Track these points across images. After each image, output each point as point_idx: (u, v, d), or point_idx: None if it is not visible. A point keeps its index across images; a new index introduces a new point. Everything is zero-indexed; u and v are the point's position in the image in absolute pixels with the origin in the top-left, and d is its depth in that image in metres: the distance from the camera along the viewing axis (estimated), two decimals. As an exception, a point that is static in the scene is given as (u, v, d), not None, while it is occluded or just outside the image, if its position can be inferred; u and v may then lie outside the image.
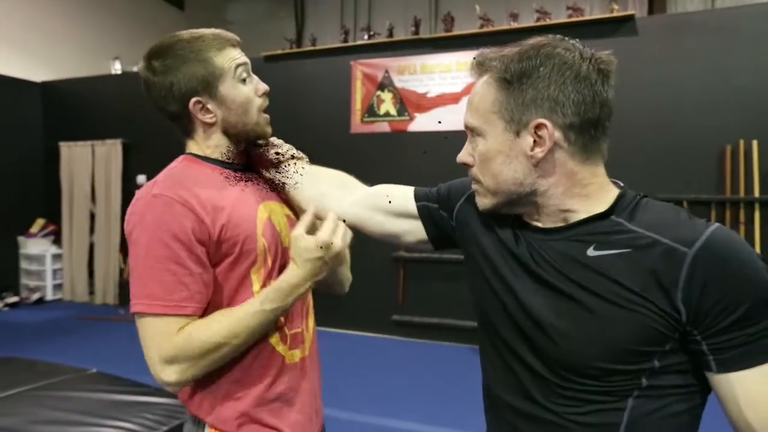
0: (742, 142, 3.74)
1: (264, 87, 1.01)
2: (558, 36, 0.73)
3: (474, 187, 0.80)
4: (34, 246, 5.99)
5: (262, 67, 5.29)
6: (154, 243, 0.86)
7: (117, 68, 6.24)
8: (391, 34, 5.07)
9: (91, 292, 6.01)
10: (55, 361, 2.61)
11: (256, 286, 0.95)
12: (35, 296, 5.85)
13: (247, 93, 0.98)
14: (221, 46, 0.96)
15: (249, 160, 1.06)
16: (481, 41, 4.38)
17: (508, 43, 0.76)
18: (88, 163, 5.98)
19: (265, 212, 0.99)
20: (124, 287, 5.80)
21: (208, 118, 0.97)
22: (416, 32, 5.00)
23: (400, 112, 4.72)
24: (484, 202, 0.79)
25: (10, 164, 5.84)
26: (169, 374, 0.86)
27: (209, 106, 0.96)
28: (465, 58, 4.50)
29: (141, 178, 5.87)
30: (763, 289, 0.63)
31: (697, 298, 0.64)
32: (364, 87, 4.85)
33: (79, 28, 6.75)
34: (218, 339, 0.87)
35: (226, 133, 0.99)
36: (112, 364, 3.12)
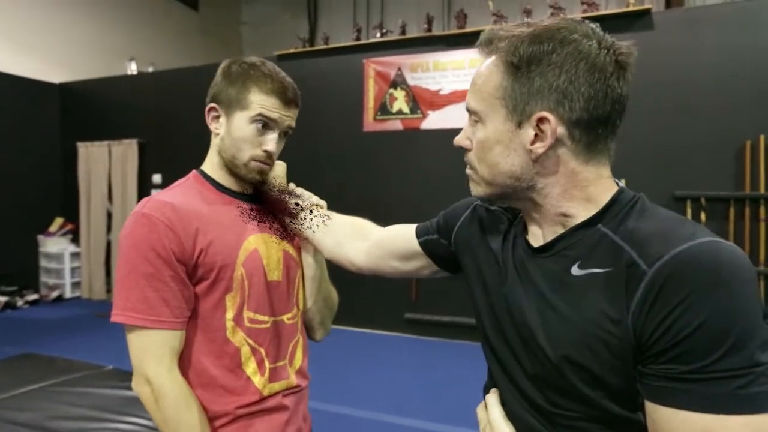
0: (762, 138, 3.67)
1: (270, 148, 1.00)
2: (578, 19, 0.66)
3: (468, 172, 0.74)
4: (53, 245, 6.09)
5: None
6: (139, 259, 0.91)
7: (133, 69, 6.31)
8: (403, 32, 5.06)
9: (108, 290, 6.09)
10: (73, 358, 2.65)
11: (229, 313, 0.98)
12: (54, 294, 5.95)
13: (248, 134, 0.99)
14: (268, 91, 0.99)
15: (266, 204, 1.08)
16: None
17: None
18: (105, 163, 6.07)
19: (255, 243, 1.01)
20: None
21: (213, 126, 1.03)
22: (429, 29, 4.98)
23: (413, 110, 4.71)
24: (477, 189, 0.73)
25: (29, 165, 5.95)
26: (135, 385, 0.93)
27: (220, 120, 1.02)
28: (478, 55, 4.45)
29: (156, 177, 5.94)
30: (719, 322, 0.52)
31: (643, 321, 0.56)
32: (376, 85, 4.85)
33: (96, 30, 6.84)
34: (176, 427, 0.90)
35: (220, 154, 1.03)
36: (128, 361, 3.16)
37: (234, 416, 0.97)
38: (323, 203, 1.11)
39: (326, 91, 5.07)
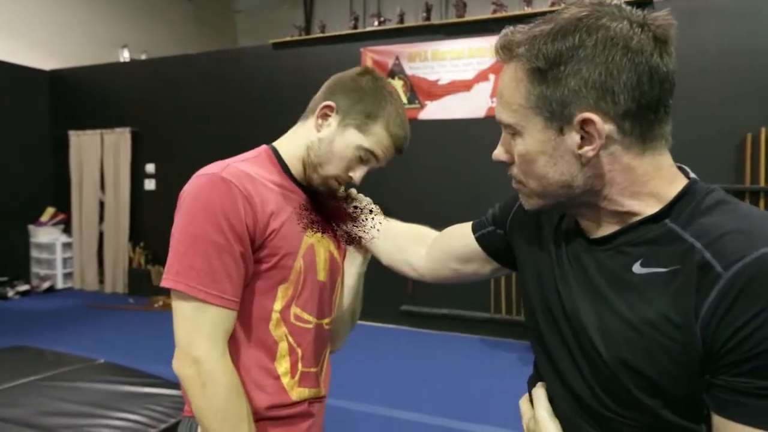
0: (763, 130, 3.64)
1: (356, 179, 0.96)
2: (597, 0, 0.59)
3: (516, 186, 0.68)
4: (45, 235, 6.01)
5: (270, 54, 5.23)
6: (210, 227, 0.83)
7: (125, 56, 6.21)
8: (401, 21, 4.98)
9: (101, 281, 6.03)
10: (64, 350, 2.61)
11: (278, 304, 0.92)
12: (45, 285, 5.89)
13: (348, 156, 0.94)
14: (391, 134, 0.94)
15: (324, 210, 1.03)
16: (493, 27, 4.28)
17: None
18: (97, 152, 5.98)
19: (312, 239, 0.96)
20: (133, 276, 5.82)
21: (318, 123, 0.96)
22: (427, 18, 4.91)
23: (410, 100, 4.65)
24: (530, 203, 0.68)
25: (19, 153, 5.85)
26: (179, 366, 0.84)
27: (330, 121, 0.95)
28: (477, 44, 4.41)
29: (150, 167, 5.86)
30: None
31: (715, 328, 0.51)
32: (373, 74, 4.77)
33: (87, 16, 6.71)
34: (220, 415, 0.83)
35: (308, 151, 0.96)
36: (119, 354, 3.12)
37: (260, 417, 0.91)
38: (377, 208, 1.08)
39: (322, 80, 4.94)
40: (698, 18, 3.81)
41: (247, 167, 0.91)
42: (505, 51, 0.63)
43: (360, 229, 1.03)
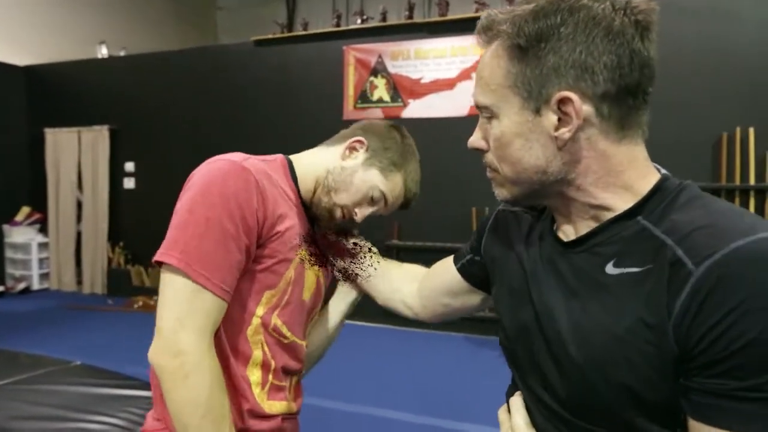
0: (738, 129, 3.71)
1: (359, 218, 0.98)
2: None
3: (490, 175, 0.67)
4: (20, 235, 5.87)
5: (252, 51, 5.18)
6: (224, 211, 0.80)
7: (103, 53, 6.08)
8: (384, 19, 4.97)
9: (79, 282, 5.91)
10: (39, 353, 2.54)
11: (260, 309, 0.90)
12: (21, 286, 5.75)
13: (361, 191, 0.96)
14: (405, 189, 0.99)
15: (323, 243, 1.03)
16: (476, 26, 4.29)
17: None
18: (74, 150, 5.85)
19: (302, 258, 0.97)
20: (112, 276, 5.72)
21: (346, 153, 0.98)
22: (410, 16, 4.91)
23: (393, 99, 4.64)
24: (502, 192, 0.66)
25: (-7, 151, 5.71)
26: (159, 355, 0.79)
27: (358, 155, 0.97)
28: (460, 43, 4.42)
29: (129, 165, 5.76)
30: None
31: (687, 327, 0.50)
32: (356, 72, 4.76)
33: (64, 10, 6.57)
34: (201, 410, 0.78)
35: (328, 174, 0.97)
36: (98, 356, 3.05)
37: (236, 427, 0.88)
38: (375, 249, 1.09)
39: (305, 78, 4.96)
40: (677, 18, 3.87)
41: (264, 166, 0.91)
42: (487, 30, 0.62)
43: (357, 266, 1.05)
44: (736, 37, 3.73)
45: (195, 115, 5.39)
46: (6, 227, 5.86)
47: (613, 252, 0.58)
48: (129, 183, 5.79)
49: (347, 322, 1.14)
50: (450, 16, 4.63)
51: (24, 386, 1.96)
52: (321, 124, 4.86)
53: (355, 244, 1.05)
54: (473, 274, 0.87)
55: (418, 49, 4.57)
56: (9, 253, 5.87)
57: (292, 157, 1.01)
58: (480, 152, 0.67)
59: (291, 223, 0.91)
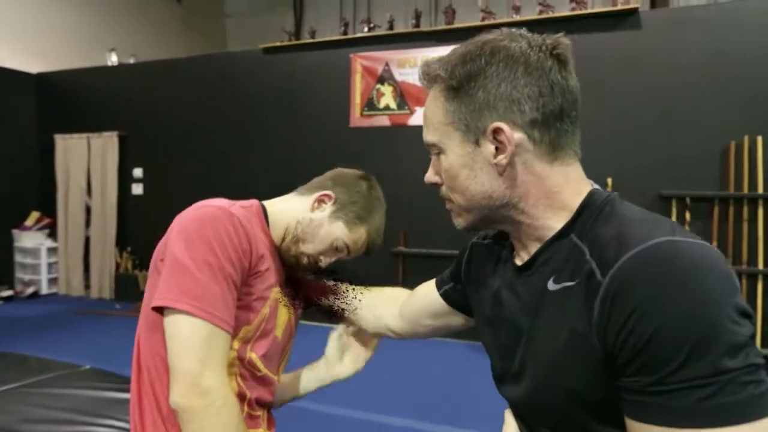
0: (746, 138, 3.70)
1: (323, 263, 1.04)
2: (506, 29, 0.67)
3: (448, 206, 0.74)
4: (29, 239, 5.92)
5: (260, 59, 5.23)
6: (223, 255, 0.86)
7: (113, 60, 6.15)
8: (391, 27, 5.00)
9: (87, 286, 5.95)
10: (48, 357, 2.56)
11: (236, 344, 0.94)
12: (30, 290, 5.79)
13: (326, 243, 1.01)
14: (368, 242, 1.04)
15: (303, 287, 1.09)
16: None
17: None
18: (83, 156, 5.91)
19: (278, 295, 1.02)
20: (120, 281, 5.75)
21: (315, 204, 1.04)
22: (417, 25, 4.94)
23: (400, 106, 4.66)
24: (459, 221, 0.72)
25: (4, 157, 5.77)
26: (186, 396, 0.81)
27: (325, 207, 1.03)
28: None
29: (138, 171, 5.81)
30: (672, 328, 0.49)
31: (604, 334, 0.54)
32: (363, 80, 4.79)
33: (75, 19, 6.66)
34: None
35: (297, 224, 1.02)
36: (106, 360, 3.07)
37: None
38: (355, 280, 1.15)
39: (312, 85, 5.00)
40: (683, 28, 3.88)
41: (244, 212, 0.97)
42: (426, 76, 0.70)
43: (342, 301, 1.09)
44: (743, 46, 3.73)
45: (203, 121, 5.43)
46: (16, 232, 5.92)
47: (552, 269, 0.64)
48: (137, 189, 5.84)
49: (334, 327, 1.17)
50: (457, 25, 4.66)
51: (33, 390, 1.98)
52: (328, 131, 4.90)
53: (335, 280, 1.10)
54: (456, 300, 0.94)
55: (424, 56, 4.59)
56: (18, 258, 5.92)
57: (266, 203, 1.07)
58: (436, 186, 0.73)
59: (269, 264, 0.98)
